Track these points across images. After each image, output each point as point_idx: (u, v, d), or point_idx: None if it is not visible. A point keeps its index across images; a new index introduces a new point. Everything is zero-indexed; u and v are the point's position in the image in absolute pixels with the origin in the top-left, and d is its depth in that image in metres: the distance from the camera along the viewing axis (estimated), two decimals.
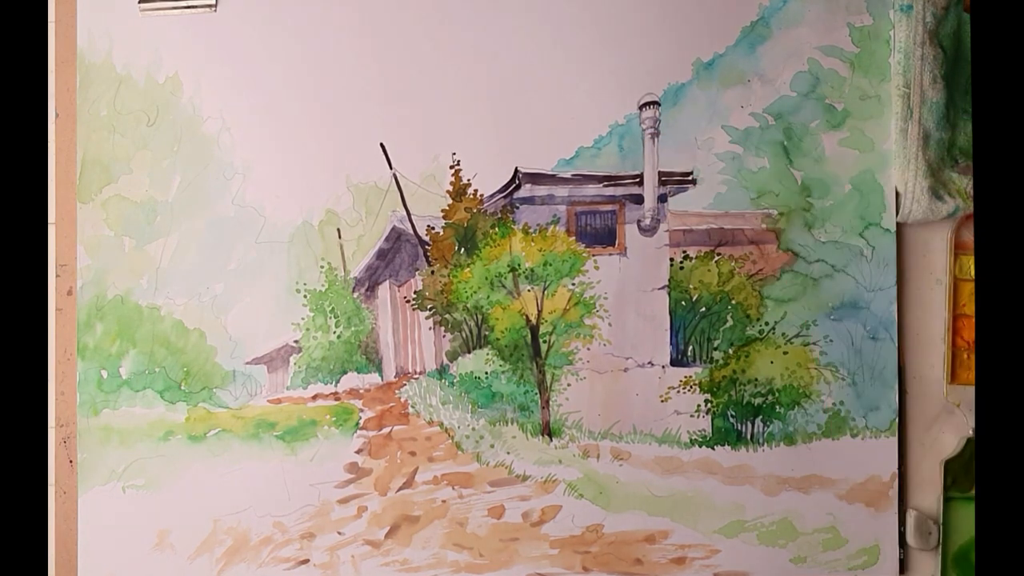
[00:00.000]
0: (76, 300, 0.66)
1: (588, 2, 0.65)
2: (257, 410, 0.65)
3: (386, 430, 0.65)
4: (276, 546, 0.65)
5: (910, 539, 0.63)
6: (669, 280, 0.65)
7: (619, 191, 0.65)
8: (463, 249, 0.65)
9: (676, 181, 0.65)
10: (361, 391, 0.66)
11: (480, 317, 0.65)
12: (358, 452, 0.65)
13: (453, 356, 0.65)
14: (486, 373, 0.65)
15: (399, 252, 0.66)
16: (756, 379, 0.64)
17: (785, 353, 0.64)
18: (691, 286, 0.65)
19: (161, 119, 0.66)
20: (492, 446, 0.65)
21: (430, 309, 0.65)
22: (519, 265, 0.65)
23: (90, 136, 0.66)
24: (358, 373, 0.66)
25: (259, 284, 0.66)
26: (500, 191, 0.65)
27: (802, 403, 0.64)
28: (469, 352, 0.65)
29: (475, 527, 0.64)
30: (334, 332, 0.65)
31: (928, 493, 0.64)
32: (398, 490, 0.65)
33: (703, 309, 0.65)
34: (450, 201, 0.65)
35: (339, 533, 0.65)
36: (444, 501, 0.64)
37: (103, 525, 0.65)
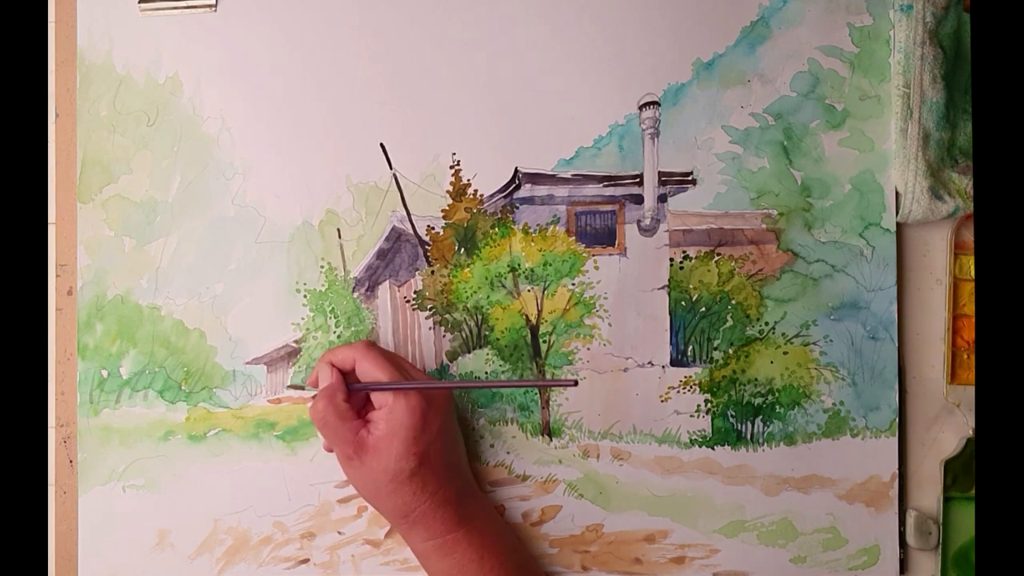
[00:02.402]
0: (76, 300, 0.66)
1: (588, 2, 0.65)
2: (257, 410, 0.65)
3: None
4: (276, 546, 0.65)
5: (910, 539, 0.63)
6: (669, 280, 0.65)
7: (619, 191, 0.65)
8: (463, 249, 0.65)
9: (676, 181, 0.65)
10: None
11: (480, 317, 0.65)
12: None
13: (453, 356, 0.65)
14: (486, 373, 0.65)
15: (399, 252, 0.66)
16: (756, 379, 0.64)
17: (785, 353, 0.64)
18: (691, 286, 0.65)
19: (161, 119, 0.66)
20: (492, 446, 0.65)
21: (430, 309, 0.65)
22: (519, 265, 0.65)
23: (90, 136, 0.66)
24: None
25: (259, 284, 0.66)
26: (500, 191, 0.65)
27: (802, 403, 0.64)
28: (469, 352, 0.65)
29: None
30: (334, 332, 0.65)
31: (928, 493, 0.64)
32: None
33: (703, 309, 0.65)
34: (450, 201, 0.65)
35: (339, 533, 0.65)
36: None
37: (103, 525, 0.65)
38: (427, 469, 0.56)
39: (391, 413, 0.56)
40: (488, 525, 0.59)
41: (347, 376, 0.58)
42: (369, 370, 0.57)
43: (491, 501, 0.64)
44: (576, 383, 0.55)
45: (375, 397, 0.58)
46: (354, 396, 0.58)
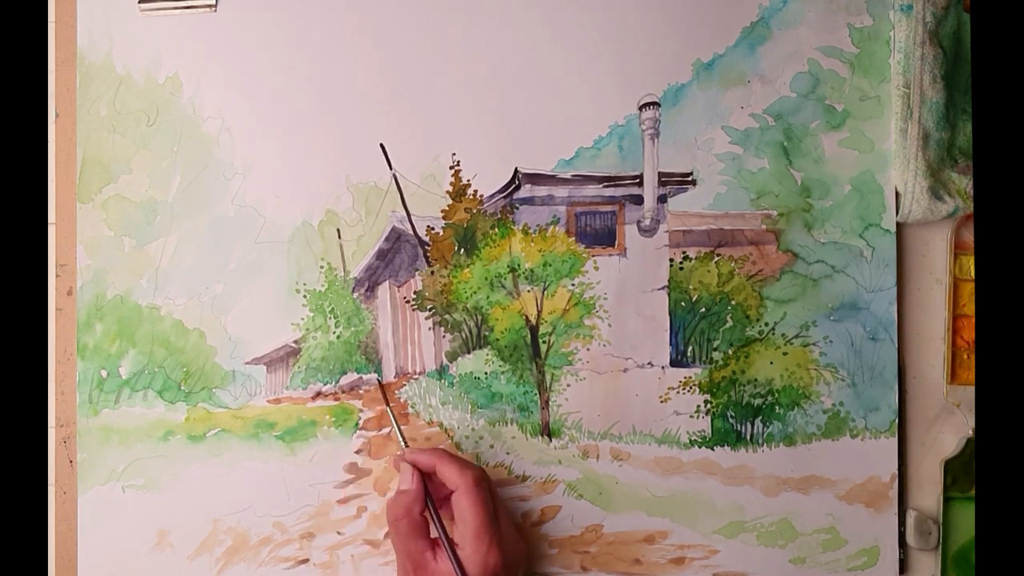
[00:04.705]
0: (76, 300, 0.66)
1: (588, 2, 0.65)
2: (257, 410, 0.65)
3: (386, 430, 0.65)
4: (276, 546, 0.65)
5: (910, 539, 0.63)
6: (669, 281, 0.65)
7: (619, 192, 0.65)
8: (463, 249, 0.65)
9: (676, 182, 0.65)
10: (361, 391, 0.66)
11: (480, 317, 0.65)
12: (358, 452, 0.65)
13: (453, 356, 0.65)
14: (486, 373, 0.65)
15: (399, 252, 0.66)
16: (756, 380, 0.64)
17: (785, 354, 0.64)
18: (691, 287, 0.65)
19: (161, 119, 0.66)
20: (492, 446, 0.65)
21: (430, 309, 0.65)
22: (519, 265, 0.65)
23: (90, 136, 0.66)
24: (357, 373, 0.66)
25: (259, 284, 0.66)
26: (500, 191, 0.65)
27: (802, 404, 0.64)
28: (469, 352, 0.65)
29: None
30: (334, 332, 0.65)
31: (928, 493, 0.64)
32: None
33: (703, 310, 0.65)
34: (450, 201, 0.65)
35: (339, 533, 0.65)
36: None
37: (103, 525, 0.65)
38: None
39: (465, 559, 0.53)
40: None
41: (439, 488, 0.57)
42: (463, 509, 0.54)
43: None
44: None
45: (457, 528, 0.55)
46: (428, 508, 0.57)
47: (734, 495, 0.64)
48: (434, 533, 0.56)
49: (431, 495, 0.57)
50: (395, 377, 0.66)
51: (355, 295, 0.66)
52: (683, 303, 0.65)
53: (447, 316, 0.65)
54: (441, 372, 0.65)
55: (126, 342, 0.65)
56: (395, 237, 0.66)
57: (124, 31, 0.66)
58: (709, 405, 0.64)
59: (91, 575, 0.65)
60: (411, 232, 0.65)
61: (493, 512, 0.55)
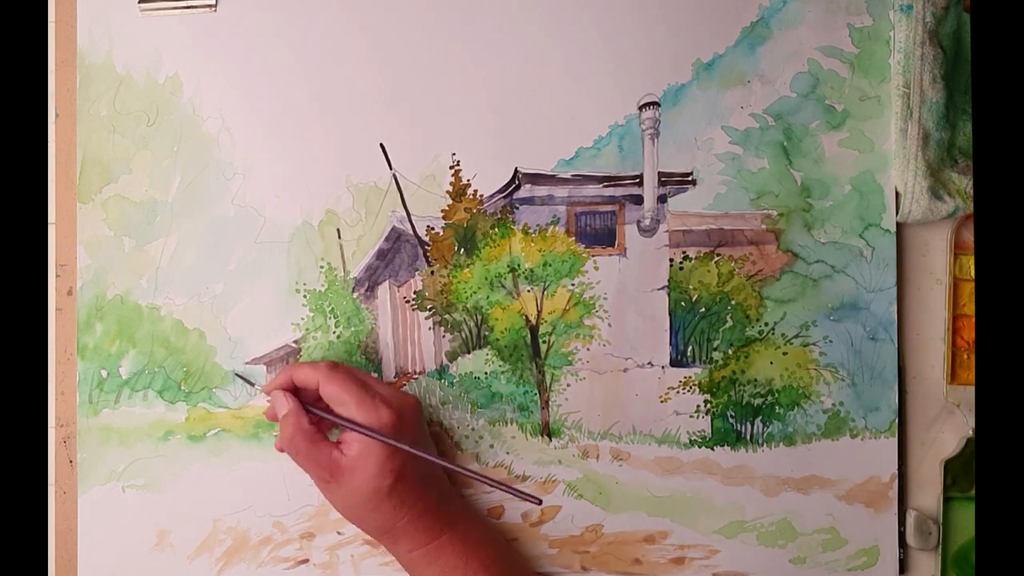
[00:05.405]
0: (76, 300, 0.66)
1: (588, 2, 0.65)
2: (257, 410, 0.65)
3: None
4: (276, 546, 0.65)
5: (910, 539, 0.63)
6: (669, 281, 0.65)
7: (619, 191, 0.65)
8: (463, 249, 0.65)
9: (676, 182, 0.65)
10: None
11: (480, 317, 0.65)
12: None
13: (453, 356, 0.65)
14: (486, 373, 0.65)
15: (399, 252, 0.66)
16: (756, 379, 0.64)
17: (785, 354, 0.64)
18: (691, 287, 0.65)
19: (161, 119, 0.66)
20: (491, 446, 0.65)
21: (430, 309, 0.65)
22: (519, 265, 0.65)
23: (90, 136, 0.66)
24: None
25: (259, 284, 0.66)
26: (500, 191, 0.65)
27: (802, 404, 0.64)
28: (469, 352, 0.65)
29: None
30: (334, 332, 0.65)
31: (928, 493, 0.64)
32: None
33: (703, 310, 0.65)
34: (450, 201, 0.65)
35: (339, 533, 0.65)
36: None
37: (103, 525, 0.65)
38: (404, 483, 0.55)
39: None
40: (470, 526, 0.59)
41: (309, 394, 0.58)
42: (335, 393, 0.56)
43: (470, 501, 0.64)
44: (540, 501, 0.57)
45: (341, 411, 0.56)
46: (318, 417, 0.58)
47: (734, 495, 0.64)
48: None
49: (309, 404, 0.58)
50: (395, 377, 0.66)
51: (355, 295, 0.66)
52: (683, 303, 0.65)
53: (447, 316, 0.65)
54: (441, 372, 0.65)
55: (126, 342, 0.65)
56: (395, 237, 0.66)
57: (124, 31, 0.66)
58: (709, 405, 0.64)
59: (91, 575, 0.65)
60: (411, 232, 0.65)
61: (362, 382, 0.57)
